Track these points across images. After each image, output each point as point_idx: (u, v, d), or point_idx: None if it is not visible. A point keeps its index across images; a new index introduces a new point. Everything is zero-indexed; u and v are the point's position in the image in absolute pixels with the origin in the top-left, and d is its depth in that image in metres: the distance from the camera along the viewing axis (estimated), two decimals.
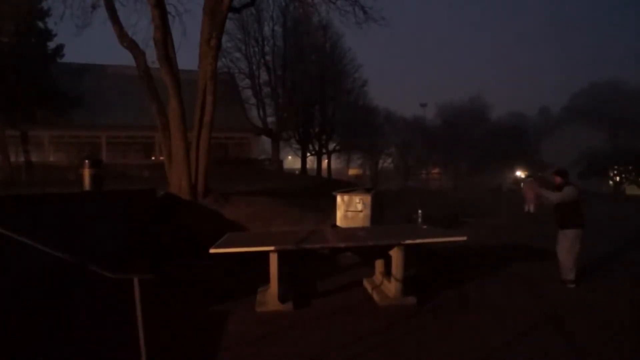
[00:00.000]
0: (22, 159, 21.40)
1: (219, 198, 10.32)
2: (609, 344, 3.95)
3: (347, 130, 36.96)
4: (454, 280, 6.06)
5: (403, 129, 51.71)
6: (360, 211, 8.15)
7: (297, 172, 36.80)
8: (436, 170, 55.28)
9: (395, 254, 5.11)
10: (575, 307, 5.00)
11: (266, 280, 5.07)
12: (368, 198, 8.19)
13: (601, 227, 11.17)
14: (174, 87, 10.13)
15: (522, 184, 6.32)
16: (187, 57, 13.23)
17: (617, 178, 32.89)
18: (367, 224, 7.97)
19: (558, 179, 6.24)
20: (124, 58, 11.69)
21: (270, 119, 32.12)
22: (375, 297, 5.30)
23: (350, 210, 8.22)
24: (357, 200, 8.20)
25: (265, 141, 35.27)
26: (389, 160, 52.41)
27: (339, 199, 8.34)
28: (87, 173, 7.77)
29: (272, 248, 4.90)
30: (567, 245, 5.98)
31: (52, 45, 20.13)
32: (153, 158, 26.89)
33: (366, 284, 5.86)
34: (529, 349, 3.85)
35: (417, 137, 50.96)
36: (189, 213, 9.40)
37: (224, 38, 14.65)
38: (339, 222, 8.29)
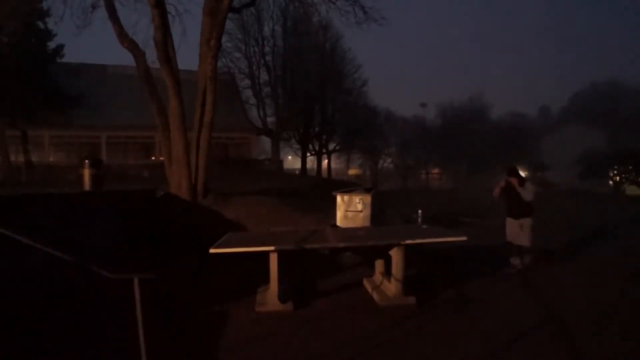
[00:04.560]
0: (22, 158, 21.41)
1: (219, 198, 10.32)
2: (608, 344, 3.95)
3: (347, 130, 36.96)
4: (454, 280, 6.06)
5: (403, 129, 51.69)
6: (360, 211, 8.14)
7: (297, 172, 36.81)
8: (436, 170, 55.25)
9: (395, 254, 5.11)
10: (575, 307, 5.00)
11: (266, 280, 5.07)
12: (368, 198, 8.17)
13: (601, 227, 11.16)
14: (174, 87, 10.13)
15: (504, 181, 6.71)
16: (187, 57, 13.25)
17: (617, 178, 32.79)
18: (367, 224, 7.96)
19: (514, 180, 6.61)
20: (124, 58, 11.71)
21: (270, 119, 32.17)
22: (375, 297, 5.30)
23: (350, 210, 8.21)
24: (357, 200, 8.19)
25: (265, 141, 35.33)
26: (389, 160, 52.38)
27: (339, 199, 8.33)
28: (87, 173, 7.80)
29: (272, 248, 4.90)
30: (518, 231, 6.61)
31: (52, 45, 20.19)
32: (153, 158, 26.88)
33: (366, 284, 5.86)
34: (528, 349, 3.85)
35: (417, 137, 50.94)
36: (189, 213, 9.40)
37: (224, 38, 14.63)
38: (339, 222, 8.28)
